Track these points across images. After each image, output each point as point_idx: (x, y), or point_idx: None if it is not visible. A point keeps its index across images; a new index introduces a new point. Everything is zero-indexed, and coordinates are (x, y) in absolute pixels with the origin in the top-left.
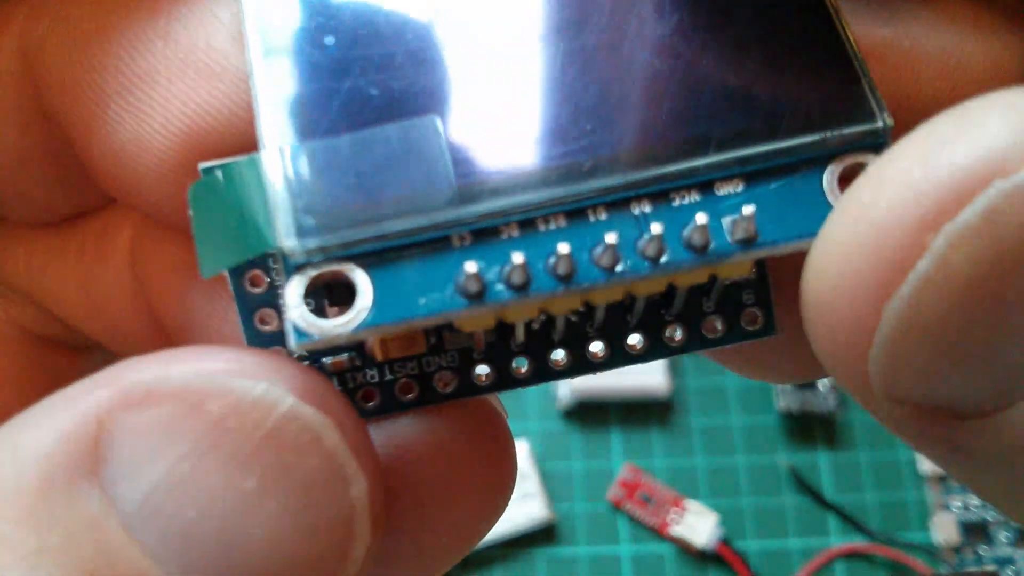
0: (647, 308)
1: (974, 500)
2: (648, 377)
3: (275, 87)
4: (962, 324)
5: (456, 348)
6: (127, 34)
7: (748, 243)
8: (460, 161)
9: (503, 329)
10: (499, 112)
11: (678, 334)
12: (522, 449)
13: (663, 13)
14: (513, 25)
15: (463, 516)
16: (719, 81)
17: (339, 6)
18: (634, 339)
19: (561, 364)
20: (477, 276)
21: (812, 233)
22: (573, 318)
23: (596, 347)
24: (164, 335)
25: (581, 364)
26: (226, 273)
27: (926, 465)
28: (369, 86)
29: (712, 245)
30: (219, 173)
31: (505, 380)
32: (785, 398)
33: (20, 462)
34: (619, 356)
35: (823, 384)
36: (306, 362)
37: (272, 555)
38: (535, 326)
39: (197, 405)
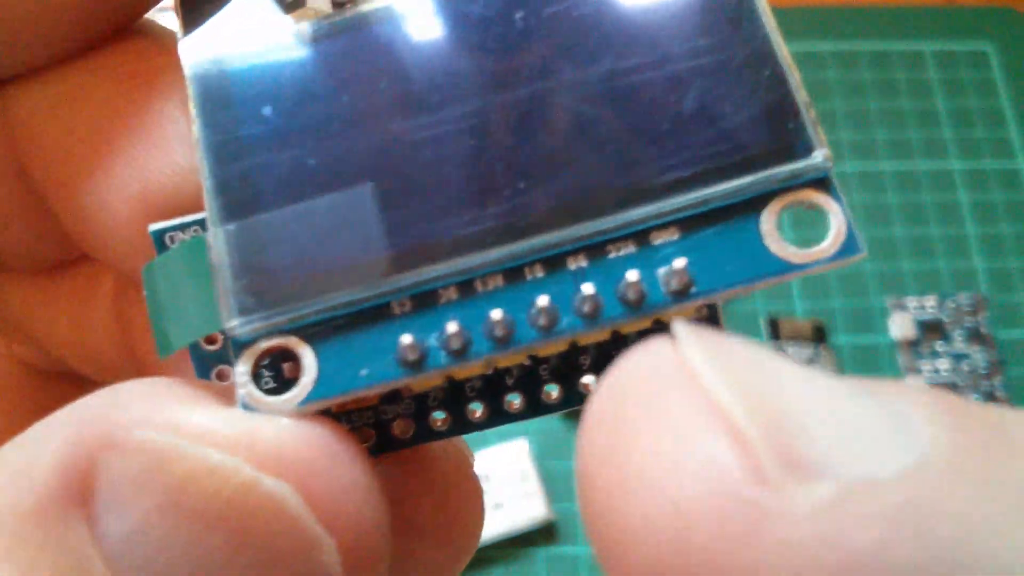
0: (600, 349)
1: None
2: None
3: (218, 163)
4: None
5: (412, 395)
6: (94, 100)
7: (683, 294)
8: (396, 227)
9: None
10: (433, 174)
11: None
12: (522, 448)
13: (594, 58)
14: (446, 82)
15: (428, 564)
16: (652, 126)
17: (277, 71)
18: (588, 380)
19: (516, 407)
20: (414, 346)
21: (748, 279)
22: (527, 362)
23: (550, 389)
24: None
25: (537, 406)
26: None
27: None
28: (307, 156)
29: (647, 299)
30: (171, 252)
31: (462, 424)
32: None
33: (14, 486)
34: (574, 397)
35: None
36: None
37: None
38: (489, 371)
39: (163, 463)
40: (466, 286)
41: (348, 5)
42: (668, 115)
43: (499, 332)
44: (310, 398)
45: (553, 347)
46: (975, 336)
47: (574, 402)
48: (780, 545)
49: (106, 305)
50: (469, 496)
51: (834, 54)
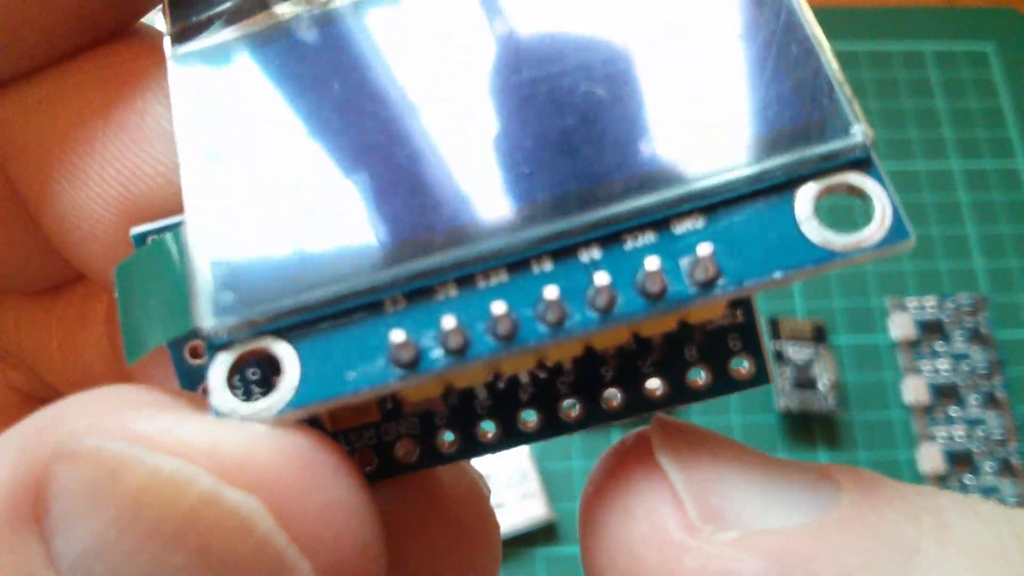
0: (623, 360)
1: None
2: None
3: (197, 156)
4: None
5: (416, 413)
6: (73, 102)
7: (710, 285)
8: (388, 218)
9: (464, 391)
10: (429, 162)
11: (659, 388)
12: (522, 448)
13: (605, 36)
14: (442, 67)
15: None
16: (669, 106)
17: (264, 62)
18: (610, 395)
19: (532, 426)
20: (408, 344)
21: (784, 268)
22: (541, 375)
23: (568, 405)
24: None
25: (554, 425)
26: (165, 346)
27: (926, 465)
28: (294, 146)
29: (669, 291)
30: (143, 250)
31: (472, 446)
32: (785, 398)
33: None
34: (595, 414)
35: (823, 384)
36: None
37: None
38: (500, 385)
39: (115, 473)
40: (466, 280)
41: None
42: (687, 94)
43: (502, 329)
44: (291, 404)
45: (565, 349)
46: (975, 336)
47: (596, 420)
48: (693, 572)
49: (99, 328)
50: (484, 532)
51: (834, 55)
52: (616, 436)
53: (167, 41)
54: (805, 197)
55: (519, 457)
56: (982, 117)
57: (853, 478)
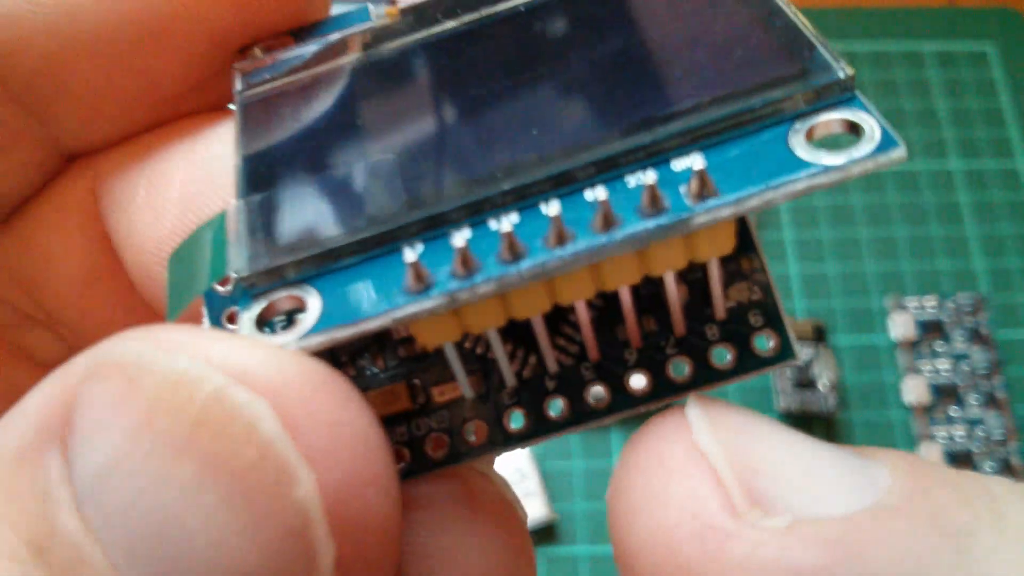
0: (646, 343)
1: None
2: None
3: (249, 151)
4: None
5: (446, 404)
6: (160, 154)
7: (707, 197)
8: (409, 181)
9: (490, 374)
10: (447, 131)
11: (685, 370)
12: (522, 448)
13: (604, 29)
14: (460, 72)
15: None
16: (661, 55)
17: (306, 87)
18: (636, 380)
19: (558, 416)
20: (420, 267)
21: (780, 179)
22: (567, 361)
23: (595, 393)
24: None
25: (582, 413)
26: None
27: None
28: (329, 135)
29: (670, 206)
30: (192, 235)
31: (500, 438)
32: (785, 398)
33: (3, 430)
34: (622, 401)
35: (823, 384)
36: None
37: (213, 558)
38: (525, 373)
39: (135, 380)
40: (479, 223)
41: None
42: (682, 46)
43: (508, 251)
44: (313, 330)
45: (575, 284)
46: (975, 336)
47: (622, 407)
48: (740, 560)
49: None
50: (518, 549)
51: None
52: (616, 435)
53: (236, 90)
54: (795, 133)
55: (519, 457)
56: (982, 117)
57: (900, 462)
